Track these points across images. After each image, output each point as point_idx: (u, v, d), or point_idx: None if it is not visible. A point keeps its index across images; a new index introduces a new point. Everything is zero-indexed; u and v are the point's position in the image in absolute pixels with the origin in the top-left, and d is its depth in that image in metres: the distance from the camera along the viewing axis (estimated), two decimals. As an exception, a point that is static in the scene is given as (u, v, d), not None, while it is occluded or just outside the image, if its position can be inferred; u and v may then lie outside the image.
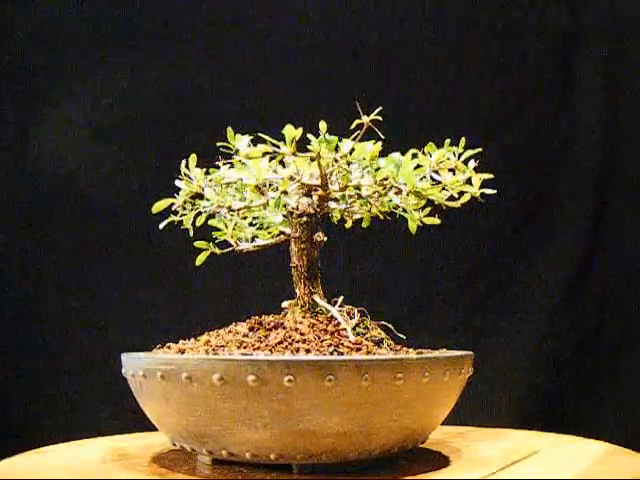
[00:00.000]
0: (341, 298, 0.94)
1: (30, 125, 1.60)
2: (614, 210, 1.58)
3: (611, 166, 1.58)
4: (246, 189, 0.99)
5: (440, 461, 0.91)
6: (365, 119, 0.83)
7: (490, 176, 0.95)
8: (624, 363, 1.52)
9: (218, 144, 0.98)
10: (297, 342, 0.84)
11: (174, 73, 1.63)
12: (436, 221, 1.02)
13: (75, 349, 1.59)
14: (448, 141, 0.96)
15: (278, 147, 0.87)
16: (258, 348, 0.83)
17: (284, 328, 0.89)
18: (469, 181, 0.96)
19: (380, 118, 0.83)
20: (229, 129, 0.98)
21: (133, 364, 0.86)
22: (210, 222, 1.03)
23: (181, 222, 1.00)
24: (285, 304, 0.97)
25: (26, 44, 1.60)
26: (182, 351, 0.87)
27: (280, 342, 0.85)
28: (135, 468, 0.90)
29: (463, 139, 0.96)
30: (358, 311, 0.94)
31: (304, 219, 0.93)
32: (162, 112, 1.62)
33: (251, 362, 0.77)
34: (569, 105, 1.59)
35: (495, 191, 0.91)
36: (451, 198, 0.98)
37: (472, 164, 0.97)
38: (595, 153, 1.58)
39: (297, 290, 0.94)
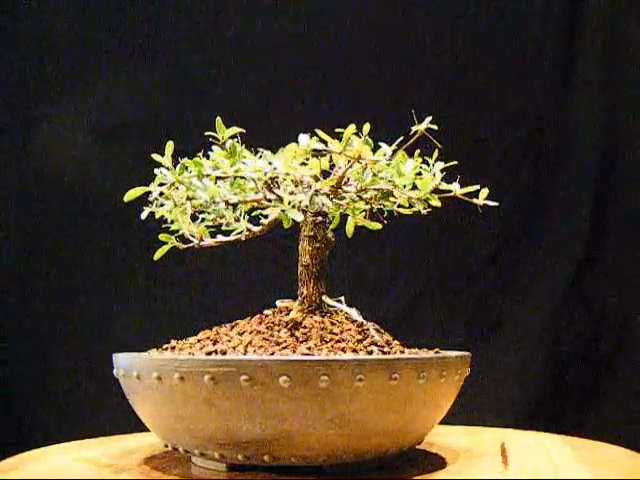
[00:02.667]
0: (343, 298, 0.94)
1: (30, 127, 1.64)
2: (614, 208, 1.62)
3: (611, 164, 1.62)
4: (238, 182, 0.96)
5: (437, 461, 0.92)
6: (420, 127, 0.84)
7: (473, 188, 1.00)
8: (625, 363, 1.59)
9: (207, 133, 0.94)
10: (338, 342, 0.83)
11: (175, 75, 1.66)
12: (377, 225, 1.07)
13: (75, 349, 1.58)
14: (418, 151, 1.01)
15: (326, 143, 0.85)
16: (310, 348, 0.81)
17: (305, 327, 0.87)
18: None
19: (435, 127, 0.85)
20: (218, 119, 0.94)
21: (162, 366, 0.78)
22: (167, 215, 0.97)
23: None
24: (280, 303, 0.95)
25: (27, 48, 1.64)
26: (223, 352, 0.81)
27: (321, 342, 0.83)
28: (136, 468, 0.86)
29: (436, 151, 1.01)
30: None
31: (319, 218, 0.91)
32: (162, 113, 1.64)
33: (322, 362, 0.75)
34: (568, 105, 1.64)
35: (497, 203, 0.96)
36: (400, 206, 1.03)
37: (439, 176, 1.02)
38: (595, 152, 1.62)
39: (303, 289, 0.92)
